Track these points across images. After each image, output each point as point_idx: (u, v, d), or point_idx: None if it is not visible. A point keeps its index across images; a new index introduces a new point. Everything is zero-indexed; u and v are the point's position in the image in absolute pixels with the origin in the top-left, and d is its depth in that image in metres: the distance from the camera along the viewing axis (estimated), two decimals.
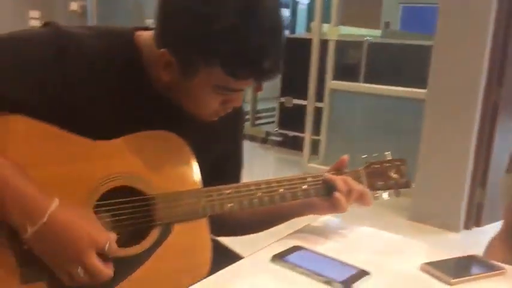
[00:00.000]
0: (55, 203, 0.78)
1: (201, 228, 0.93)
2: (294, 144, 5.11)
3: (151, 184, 0.90)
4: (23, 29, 0.89)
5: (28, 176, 0.80)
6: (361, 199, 1.03)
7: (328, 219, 1.14)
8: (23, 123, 0.84)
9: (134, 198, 0.88)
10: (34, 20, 4.90)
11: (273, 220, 1.12)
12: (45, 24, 0.89)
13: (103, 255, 0.81)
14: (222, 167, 1.10)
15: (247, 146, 1.17)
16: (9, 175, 0.78)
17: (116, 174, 0.88)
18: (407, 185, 1.12)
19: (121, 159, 0.90)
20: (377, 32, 5.42)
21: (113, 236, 0.82)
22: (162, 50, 0.86)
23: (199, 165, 0.95)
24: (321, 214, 1.08)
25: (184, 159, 0.95)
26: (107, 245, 0.80)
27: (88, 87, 0.88)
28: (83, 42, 0.88)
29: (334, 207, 1.01)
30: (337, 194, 1.00)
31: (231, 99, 0.91)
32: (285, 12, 7.81)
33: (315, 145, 4.27)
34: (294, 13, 8.22)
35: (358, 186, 1.03)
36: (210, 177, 0.97)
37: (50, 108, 0.84)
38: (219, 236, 1.10)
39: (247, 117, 5.69)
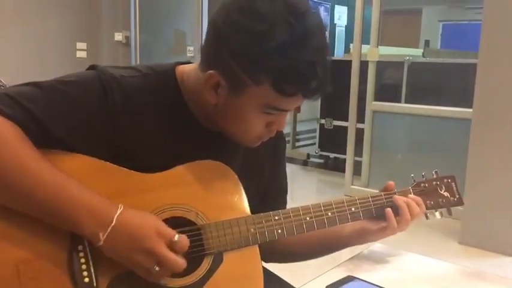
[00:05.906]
0: (120, 208, 0.82)
1: (253, 256, 0.93)
2: (335, 166, 5.07)
3: (201, 214, 0.91)
4: (70, 74, 0.92)
5: (90, 189, 0.83)
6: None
7: (378, 246, 1.12)
8: (77, 161, 0.86)
9: (185, 228, 0.89)
10: (81, 51, 5.11)
11: (323, 250, 1.10)
12: (90, 68, 0.93)
13: (174, 251, 0.83)
14: (266, 193, 1.10)
15: (288, 169, 1.17)
16: (77, 191, 0.82)
17: (167, 206, 0.89)
18: (459, 203, 1.09)
19: (170, 190, 0.91)
20: (417, 51, 5.36)
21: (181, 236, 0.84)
22: (210, 71, 0.87)
23: (246, 193, 0.96)
24: (372, 238, 1.05)
25: (232, 187, 0.95)
26: (176, 236, 0.83)
27: (133, 123, 0.90)
28: (124, 80, 0.90)
29: (385, 228, 1.00)
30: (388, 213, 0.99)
31: (275, 121, 0.91)
32: None
33: (356, 166, 4.22)
34: (332, 35, 8.25)
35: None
36: (256, 204, 0.97)
37: (100, 144, 0.87)
38: (268, 262, 1.09)
39: (287, 139, 5.69)
